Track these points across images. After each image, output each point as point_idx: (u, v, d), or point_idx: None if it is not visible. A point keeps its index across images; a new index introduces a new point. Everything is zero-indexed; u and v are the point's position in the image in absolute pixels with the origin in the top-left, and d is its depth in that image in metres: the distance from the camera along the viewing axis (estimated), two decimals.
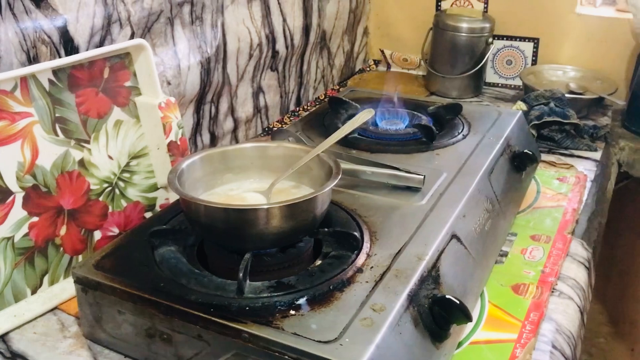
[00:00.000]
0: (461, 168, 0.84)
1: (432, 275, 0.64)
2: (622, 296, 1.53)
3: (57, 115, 0.71)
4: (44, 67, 0.68)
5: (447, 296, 0.60)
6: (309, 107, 1.33)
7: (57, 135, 0.71)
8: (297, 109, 1.31)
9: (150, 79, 0.79)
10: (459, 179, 0.81)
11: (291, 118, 1.27)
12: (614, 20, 1.33)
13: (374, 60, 1.60)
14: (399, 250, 0.66)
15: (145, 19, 0.86)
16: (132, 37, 0.84)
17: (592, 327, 1.60)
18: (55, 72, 0.71)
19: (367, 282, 0.61)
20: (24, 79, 0.68)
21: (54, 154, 0.71)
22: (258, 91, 1.16)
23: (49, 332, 0.67)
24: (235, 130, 1.12)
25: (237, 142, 1.13)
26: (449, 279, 0.67)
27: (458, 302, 0.60)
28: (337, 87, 1.46)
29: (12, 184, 0.68)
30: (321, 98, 1.39)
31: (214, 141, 1.06)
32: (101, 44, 0.80)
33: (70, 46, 0.76)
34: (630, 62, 1.32)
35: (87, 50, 0.78)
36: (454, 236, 0.71)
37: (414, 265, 0.63)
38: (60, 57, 0.74)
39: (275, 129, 1.21)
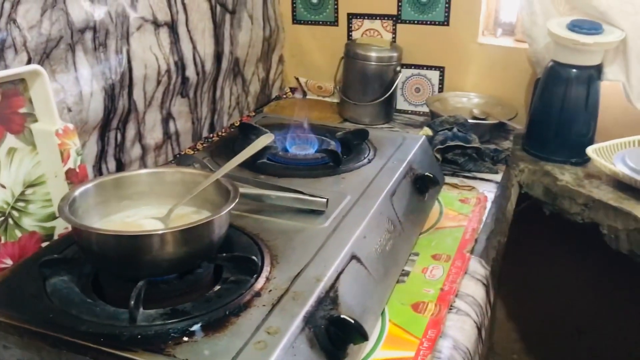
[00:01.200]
0: (365, 191, 0.87)
1: (330, 296, 0.65)
2: (530, 313, 1.59)
3: None
4: None
5: (342, 316, 0.61)
6: (222, 134, 1.33)
7: None
8: (211, 135, 1.31)
9: (47, 105, 0.77)
10: (362, 201, 0.83)
11: (204, 144, 1.27)
12: (513, 49, 1.41)
13: (290, 88, 1.62)
14: (299, 273, 0.67)
15: (44, 44, 0.84)
16: (29, 62, 0.82)
17: (505, 344, 1.65)
18: None
19: (264, 305, 0.61)
20: None
21: None
22: (168, 117, 1.15)
23: None
24: (143, 157, 1.10)
25: (145, 168, 1.11)
26: (348, 299, 0.68)
27: (353, 321, 0.61)
28: (253, 113, 1.47)
29: None
30: (236, 124, 1.39)
31: (120, 168, 1.04)
32: None
33: None
34: (528, 89, 1.40)
35: None
36: (354, 257, 0.72)
37: (312, 286, 0.64)
38: None
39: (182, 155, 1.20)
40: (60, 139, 0.78)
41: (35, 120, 0.78)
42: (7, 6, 0.78)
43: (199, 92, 1.24)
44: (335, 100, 1.55)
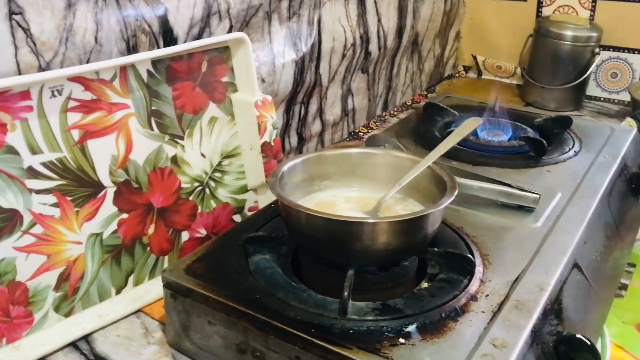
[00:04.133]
0: (577, 188, 0.77)
1: (554, 309, 0.57)
2: None
3: (153, 108, 0.68)
4: (146, 57, 0.65)
5: (578, 335, 0.53)
6: (395, 113, 1.27)
7: (152, 129, 0.68)
8: (384, 114, 1.25)
9: (248, 75, 0.75)
10: (576, 200, 0.74)
11: (377, 123, 1.21)
12: None
13: (464, 66, 1.52)
14: (517, 278, 0.59)
15: (244, 12, 0.82)
16: (230, 30, 0.80)
17: None
18: (155, 63, 0.67)
19: (483, 312, 0.54)
20: (123, 69, 0.65)
21: (147, 148, 0.68)
22: (347, 93, 1.11)
23: (132, 336, 0.64)
24: (322, 133, 1.07)
25: (322, 145, 1.08)
26: (571, 314, 0.59)
27: (590, 343, 0.53)
28: (425, 92, 1.39)
29: (104, 177, 0.65)
30: (408, 104, 1.33)
31: (301, 143, 1.02)
32: (199, 36, 0.76)
33: (169, 37, 0.72)
34: None
35: (185, 42, 0.74)
36: (575, 265, 0.63)
37: (535, 296, 0.56)
38: (159, 47, 0.71)
39: (362, 133, 1.16)
40: (258, 110, 0.75)
41: (236, 90, 0.76)
42: None
43: (378, 68, 1.18)
44: (515, 81, 1.43)
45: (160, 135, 0.69)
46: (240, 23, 0.82)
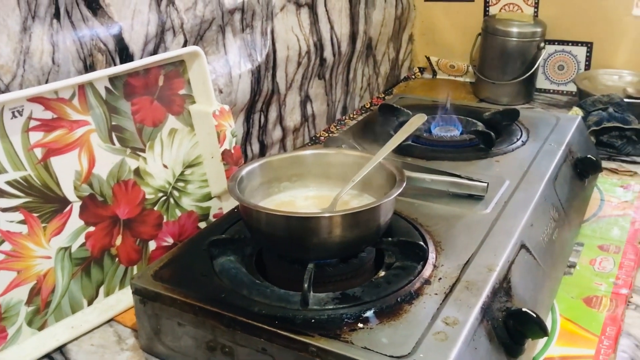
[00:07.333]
0: (524, 175, 0.81)
1: (503, 287, 0.61)
2: None
3: (113, 123, 0.70)
4: (102, 75, 0.67)
5: (524, 309, 0.57)
6: (354, 116, 1.31)
7: (113, 143, 0.71)
8: (344, 117, 1.29)
9: (205, 86, 0.78)
10: (523, 186, 0.78)
11: (337, 127, 1.25)
12: None
13: (419, 68, 1.57)
14: (467, 261, 0.63)
15: (198, 26, 0.85)
16: (184, 45, 0.83)
17: None
18: (112, 80, 0.70)
19: (436, 294, 0.58)
20: (81, 87, 0.67)
21: (110, 162, 0.70)
22: (306, 100, 1.14)
23: (106, 344, 0.66)
24: (283, 139, 1.10)
25: (285, 151, 1.11)
26: (520, 291, 0.63)
27: (535, 315, 0.56)
28: (383, 95, 1.43)
29: (69, 193, 0.67)
30: (367, 106, 1.37)
31: (263, 150, 1.05)
32: (155, 52, 0.79)
33: (125, 54, 0.75)
34: None
35: (141, 58, 0.77)
36: (523, 246, 0.67)
37: (484, 276, 0.60)
38: (115, 65, 0.74)
39: (323, 137, 1.19)
40: (216, 120, 0.78)
41: (193, 102, 0.79)
42: None
43: (334, 74, 1.22)
44: (469, 79, 1.48)
45: (122, 149, 0.72)
46: (194, 37, 0.85)
